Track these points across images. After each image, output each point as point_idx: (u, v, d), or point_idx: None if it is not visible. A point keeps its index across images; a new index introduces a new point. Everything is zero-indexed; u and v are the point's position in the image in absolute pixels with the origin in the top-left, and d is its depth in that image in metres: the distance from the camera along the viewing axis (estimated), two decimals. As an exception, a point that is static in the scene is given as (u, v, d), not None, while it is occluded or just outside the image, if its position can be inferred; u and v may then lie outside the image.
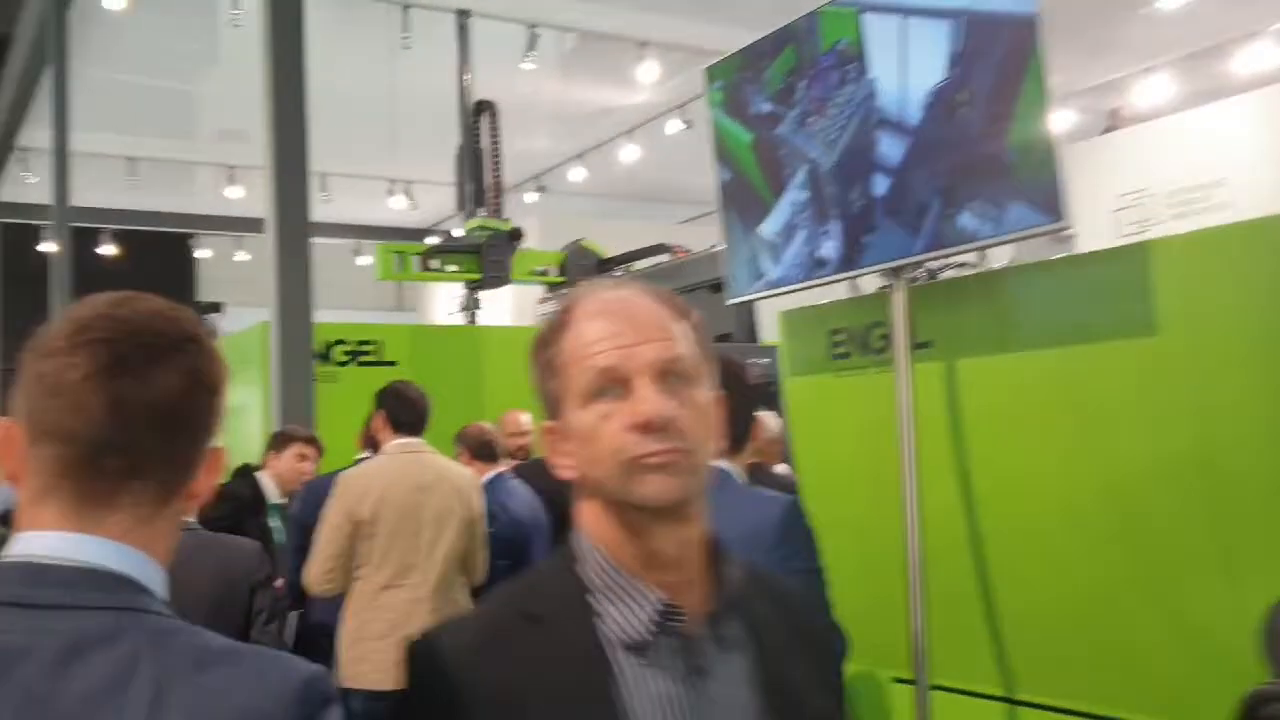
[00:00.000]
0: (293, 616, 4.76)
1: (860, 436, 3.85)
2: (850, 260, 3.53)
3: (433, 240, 10.77)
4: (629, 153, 17.54)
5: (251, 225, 21.08)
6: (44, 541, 1.09)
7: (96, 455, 1.10)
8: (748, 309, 8.72)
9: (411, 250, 8.81)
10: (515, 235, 9.14)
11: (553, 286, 10.12)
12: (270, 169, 5.40)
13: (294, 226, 5.41)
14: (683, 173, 19.89)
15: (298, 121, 5.45)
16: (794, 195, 3.78)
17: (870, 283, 4.15)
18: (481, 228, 9.00)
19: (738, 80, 3.97)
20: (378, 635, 4.17)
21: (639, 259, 10.00)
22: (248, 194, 18.75)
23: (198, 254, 23.28)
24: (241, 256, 22.08)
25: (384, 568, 4.22)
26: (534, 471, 5.09)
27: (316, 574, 4.25)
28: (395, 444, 4.47)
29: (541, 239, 12.52)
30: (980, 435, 3.49)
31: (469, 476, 4.56)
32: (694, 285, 9.05)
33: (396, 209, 20.24)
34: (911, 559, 3.38)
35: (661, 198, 20.69)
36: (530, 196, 19.45)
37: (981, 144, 3.09)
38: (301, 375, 5.61)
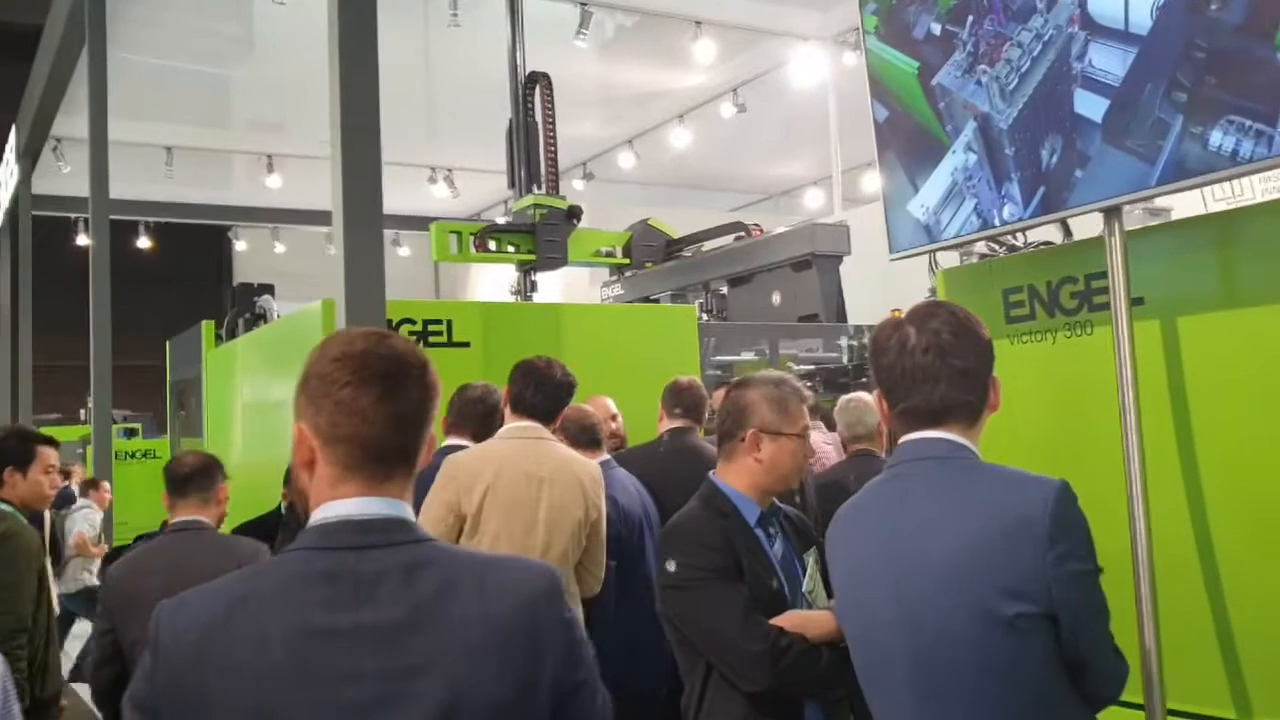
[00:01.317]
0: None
1: (1046, 414, 3.24)
2: (1057, 201, 2.91)
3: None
4: (680, 137, 16.95)
5: (290, 216, 20.83)
6: (352, 505, 1.59)
7: (380, 451, 1.61)
8: (835, 287, 8.14)
9: (469, 230, 8.25)
10: (573, 213, 8.57)
11: (618, 269, 9.53)
12: (337, 140, 4.81)
13: (364, 200, 4.85)
14: (735, 159, 19.41)
15: (370, 89, 4.90)
16: (957, 160, 3.17)
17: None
18: (536, 205, 8.41)
19: (898, 1, 3.36)
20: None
21: (712, 238, 9.40)
22: (285, 184, 18.34)
23: (236, 246, 22.86)
24: (280, 249, 21.65)
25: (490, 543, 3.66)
26: (639, 460, 4.55)
27: None
28: (512, 427, 3.90)
29: (590, 226, 11.98)
30: (1206, 410, 2.88)
31: (593, 470, 3.92)
32: (775, 264, 8.47)
33: (439, 197, 19.72)
34: (1139, 564, 2.76)
35: (713, 185, 20.12)
36: (578, 183, 18.88)
37: (1241, 43, 2.47)
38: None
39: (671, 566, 2.60)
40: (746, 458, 2.72)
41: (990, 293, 3.39)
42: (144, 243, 20.35)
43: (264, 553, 3.60)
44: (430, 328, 5.63)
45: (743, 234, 9.32)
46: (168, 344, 9.84)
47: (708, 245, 9.42)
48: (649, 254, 9.30)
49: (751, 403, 2.74)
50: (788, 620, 2.51)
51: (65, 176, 16.40)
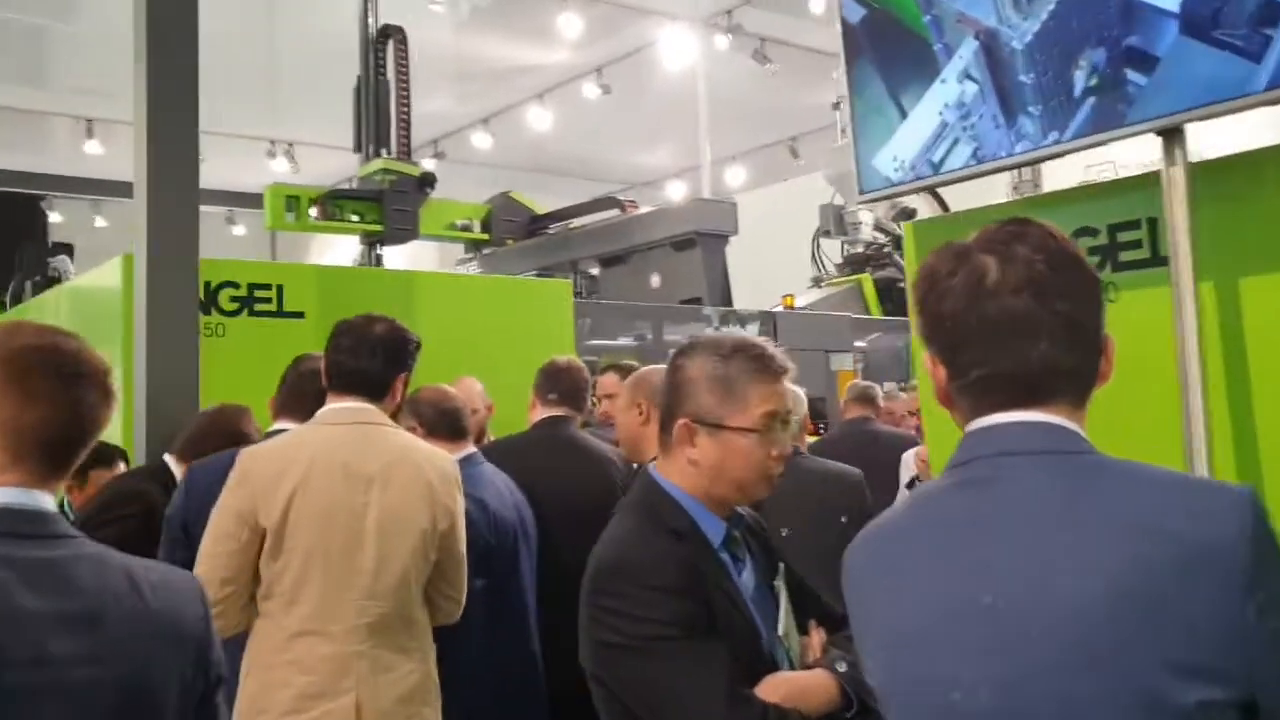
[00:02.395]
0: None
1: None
2: (1110, 117, 2.18)
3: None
4: (539, 118, 16.11)
5: (114, 189, 19.19)
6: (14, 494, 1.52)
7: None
8: (721, 269, 7.44)
9: (307, 195, 7.28)
10: (426, 181, 7.70)
11: (474, 245, 8.66)
12: (143, 106, 3.92)
13: (176, 160, 3.98)
14: (597, 145, 18.58)
15: (187, 45, 4.02)
16: (948, 93, 2.45)
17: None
18: (385, 171, 7.50)
19: None
20: (288, 709, 2.66)
21: (581, 215, 8.61)
22: (107, 152, 16.83)
23: (51, 218, 21.00)
24: (101, 223, 19.99)
25: (300, 602, 2.70)
26: (506, 455, 3.70)
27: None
28: (330, 409, 2.91)
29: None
30: (1272, 391, 2.22)
31: (443, 462, 2.99)
32: (655, 243, 7.73)
33: (277, 173, 18.38)
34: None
35: (573, 172, 19.24)
36: (428, 162, 17.81)
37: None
38: (182, 326, 4.09)
39: (615, 620, 1.78)
40: (679, 456, 1.93)
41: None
42: (-54, 210, 18.50)
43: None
44: (257, 294, 4.68)
45: (616, 211, 8.55)
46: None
47: (576, 222, 8.64)
48: (510, 229, 8.47)
49: (688, 379, 1.94)
50: (779, 690, 1.73)
51: None
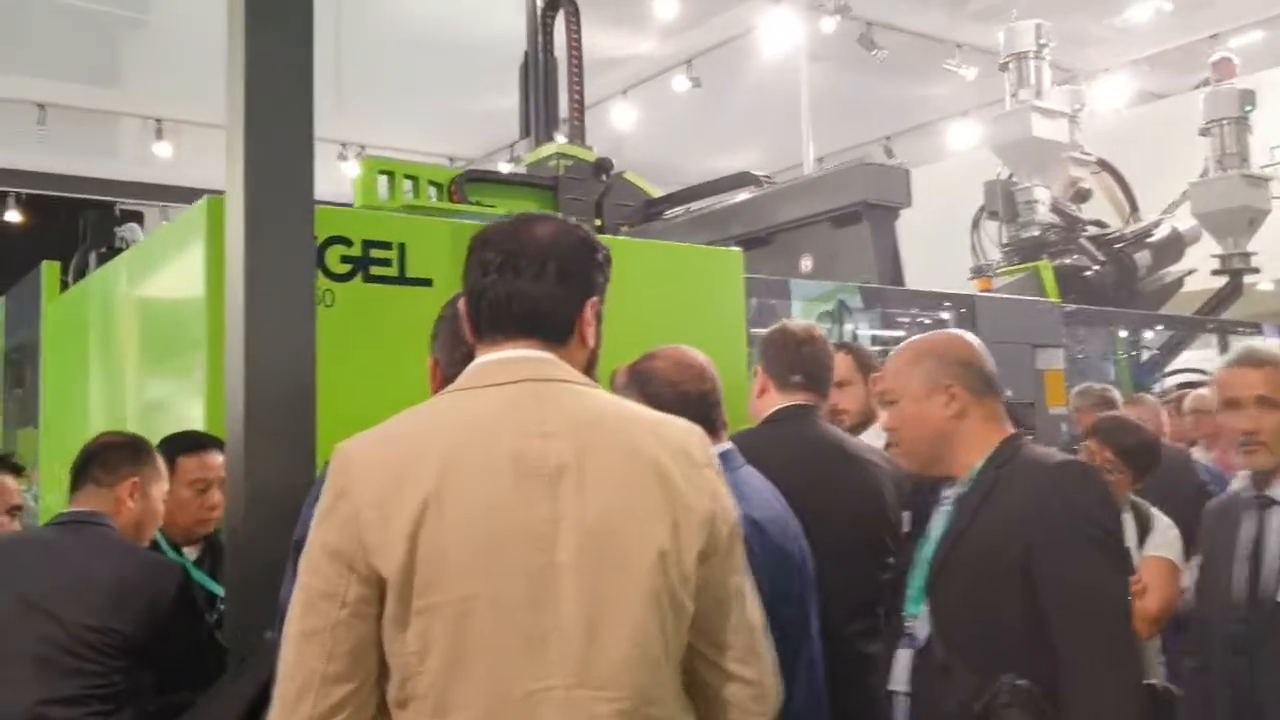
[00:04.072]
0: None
1: None
2: None
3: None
4: (624, 115, 15.25)
5: (182, 195, 18.57)
6: None
7: None
8: (891, 246, 6.50)
9: (423, 174, 6.29)
10: (603, 167, 6.92)
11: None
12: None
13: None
14: (685, 144, 17.58)
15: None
16: None
17: None
18: (561, 155, 6.72)
19: None
20: None
21: (709, 195, 7.73)
22: (176, 154, 16.22)
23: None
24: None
25: (454, 708, 1.59)
26: (761, 458, 2.54)
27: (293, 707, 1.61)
28: (478, 366, 1.78)
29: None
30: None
31: (685, 434, 1.78)
32: (808, 219, 6.81)
33: (350, 177, 17.66)
34: None
35: (657, 177, 18.30)
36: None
37: None
38: (297, 287, 3.08)
39: None
40: None
41: None
42: (13, 216, 17.96)
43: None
44: (373, 254, 3.81)
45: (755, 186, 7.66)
46: (2, 300, 7.69)
47: (699, 204, 7.77)
48: (624, 215, 7.58)
49: None
50: None
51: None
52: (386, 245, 3.86)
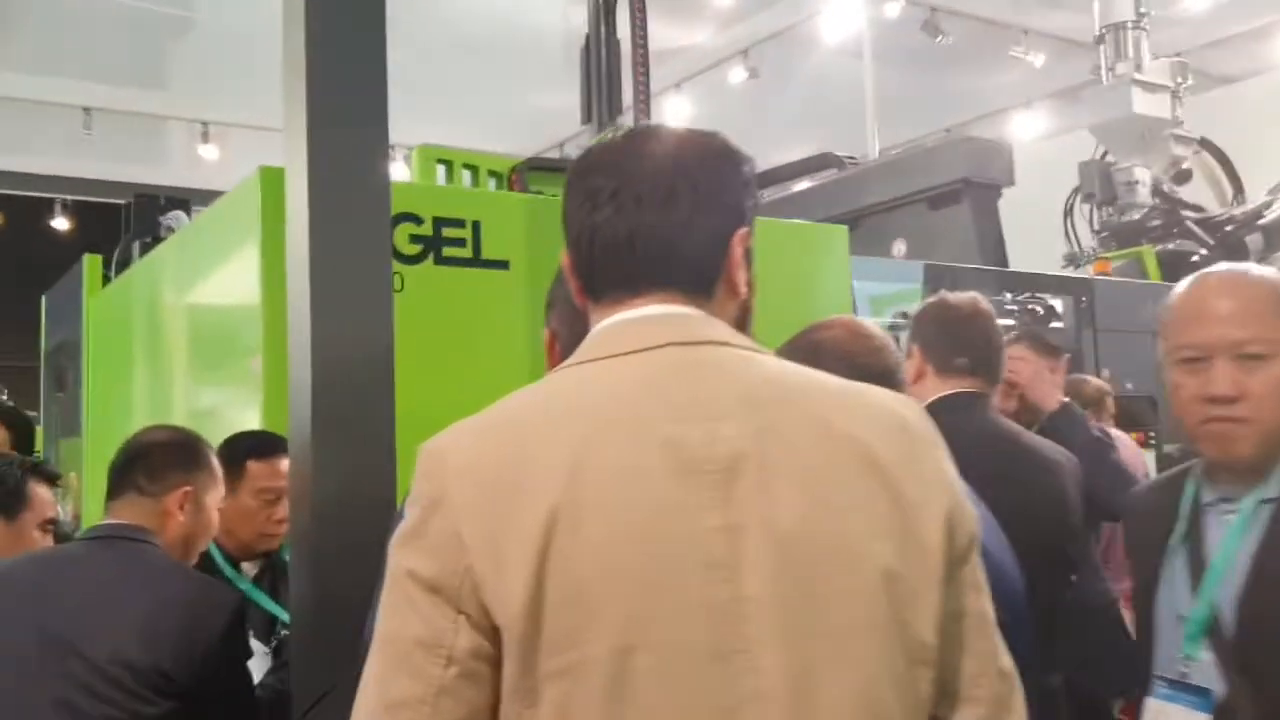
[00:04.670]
0: None
1: None
2: None
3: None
4: (678, 109, 14.81)
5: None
6: None
7: None
8: (994, 227, 6.05)
9: (482, 164, 5.86)
10: None
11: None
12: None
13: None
14: (743, 140, 16.99)
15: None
16: None
17: None
18: None
19: None
20: None
21: (785, 179, 7.32)
22: (222, 156, 15.94)
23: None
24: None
25: None
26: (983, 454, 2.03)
27: None
28: (605, 330, 1.28)
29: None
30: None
31: (904, 409, 1.26)
32: (903, 199, 6.38)
33: (400, 179, 17.37)
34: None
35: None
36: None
37: None
38: (370, 264, 2.58)
39: None
40: None
41: None
42: (60, 223, 17.81)
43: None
44: (445, 232, 3.42)
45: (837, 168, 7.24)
46: (43, 299, 7.33)
47: (771, 191, 7.36)
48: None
49: None
50: None
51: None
52: (459, 223, 3.47)
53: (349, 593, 1.98)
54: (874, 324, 2.11)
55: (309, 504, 2.34)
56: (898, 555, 1.16)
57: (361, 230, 2.50)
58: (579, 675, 1.08)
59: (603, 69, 7.18)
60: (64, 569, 2.37)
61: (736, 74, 13.97)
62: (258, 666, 2.85)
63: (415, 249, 3.38)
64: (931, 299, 2.56)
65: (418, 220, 3.37)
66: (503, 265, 3.49)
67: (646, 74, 7.37)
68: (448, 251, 3.40)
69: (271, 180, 3.09)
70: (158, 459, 2.51)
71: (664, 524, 1.12)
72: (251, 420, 3.21)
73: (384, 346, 2.49)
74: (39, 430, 6.14)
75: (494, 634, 1.11)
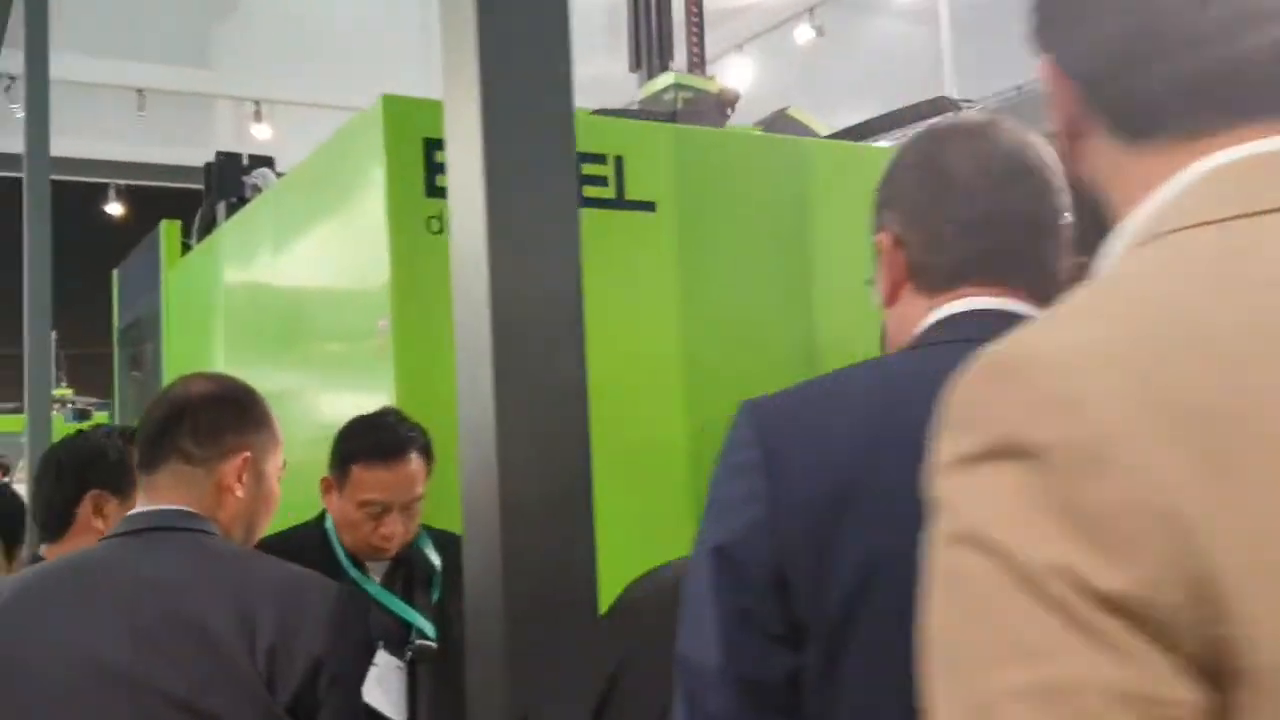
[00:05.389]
0: None
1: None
2: None
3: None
4: (740, 71, 14.32)
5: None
6: None
7: None
8: None
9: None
10: (727, 99, 6.04)
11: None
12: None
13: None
14: (810, 103, 16.51)
15: None
16: None
17: None
18: (679, 86, 5.85)
19: None
20: None
21: (895, 126, 6.86)
22: (275, 134, 15.65)
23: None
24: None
25: None
26: None
27: None
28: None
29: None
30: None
31: None
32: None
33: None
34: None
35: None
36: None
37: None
38: (561, 195, 1.98)
39: None
40: None
41: None
42: (115, 208, 17.60)
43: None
44: (585, 169, 3.00)
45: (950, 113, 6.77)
46: (115, 274, 6.96)
47: (878, 140, 6.89)
48: (790, 155, 6.74)
49: None
50: None
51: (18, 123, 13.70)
52: (600, 159, 3.04)
53: (544, 596, 1.47)
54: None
55: (496, 497, 1.73)
56: None
57: (547, 165, 1.98)
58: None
59: (653, 9, 6.73)
60: (100, 576, 1.78)
61: (803, 32, 13.49)
62: (387, 682, 2.47)
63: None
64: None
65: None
66: (649, 207, 3.07)
67: (700, 11, 6.94)
68: (589, 191, 2.99)
69: (397, 110, 2.69)
70: (206, 418, 1.88)
71: None
72: (379, 397, 2.78)
73: (573, 300, 1.96)
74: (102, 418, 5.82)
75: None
